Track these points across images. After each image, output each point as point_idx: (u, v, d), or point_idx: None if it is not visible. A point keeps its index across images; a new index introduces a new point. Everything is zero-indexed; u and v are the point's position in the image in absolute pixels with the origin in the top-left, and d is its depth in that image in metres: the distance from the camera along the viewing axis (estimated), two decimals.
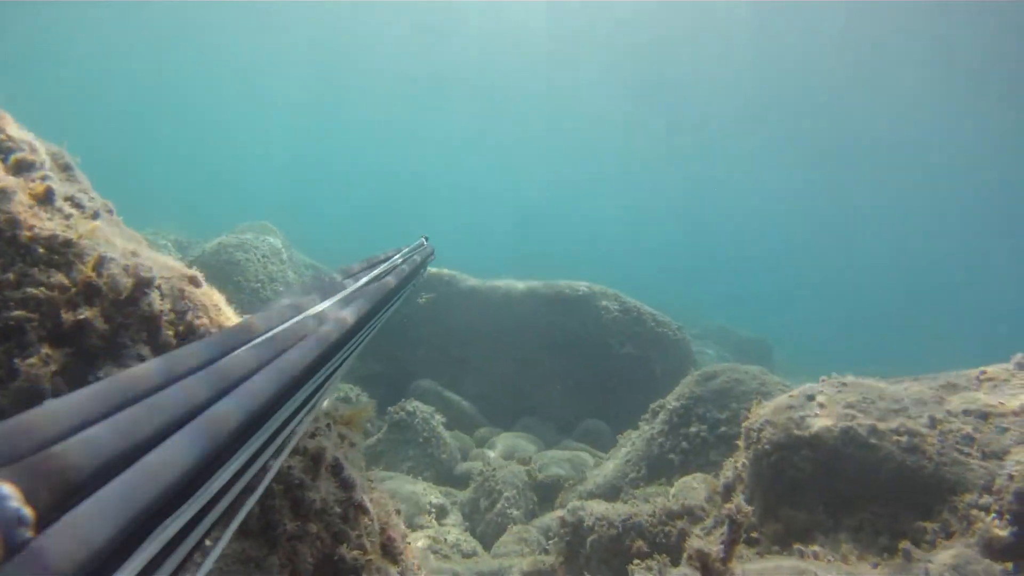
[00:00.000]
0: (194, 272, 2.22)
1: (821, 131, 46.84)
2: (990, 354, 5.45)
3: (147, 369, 0.91)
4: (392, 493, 7.43)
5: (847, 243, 73.90)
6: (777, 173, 58.46)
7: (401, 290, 2.25)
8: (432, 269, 12.77)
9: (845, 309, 58.69)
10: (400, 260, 2.46)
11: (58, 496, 0.60)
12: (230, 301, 2.35)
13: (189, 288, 2.14)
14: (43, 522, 0.56)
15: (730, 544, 2.51)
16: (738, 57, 40.60)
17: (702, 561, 2.47)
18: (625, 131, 56.65)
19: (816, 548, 3.15)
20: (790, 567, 2.76)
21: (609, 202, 79.94)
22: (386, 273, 2.14)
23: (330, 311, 1.48)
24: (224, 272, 12.63)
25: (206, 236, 16.94)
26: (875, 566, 3.97)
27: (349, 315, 1.49)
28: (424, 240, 3.17)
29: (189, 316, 2.07)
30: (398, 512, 2.64)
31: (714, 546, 2.51)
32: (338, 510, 2.12)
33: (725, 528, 2.50)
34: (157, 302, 1.98)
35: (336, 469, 2.15)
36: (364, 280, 1.88)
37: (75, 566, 0.55)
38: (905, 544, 4.02)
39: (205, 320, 2.12)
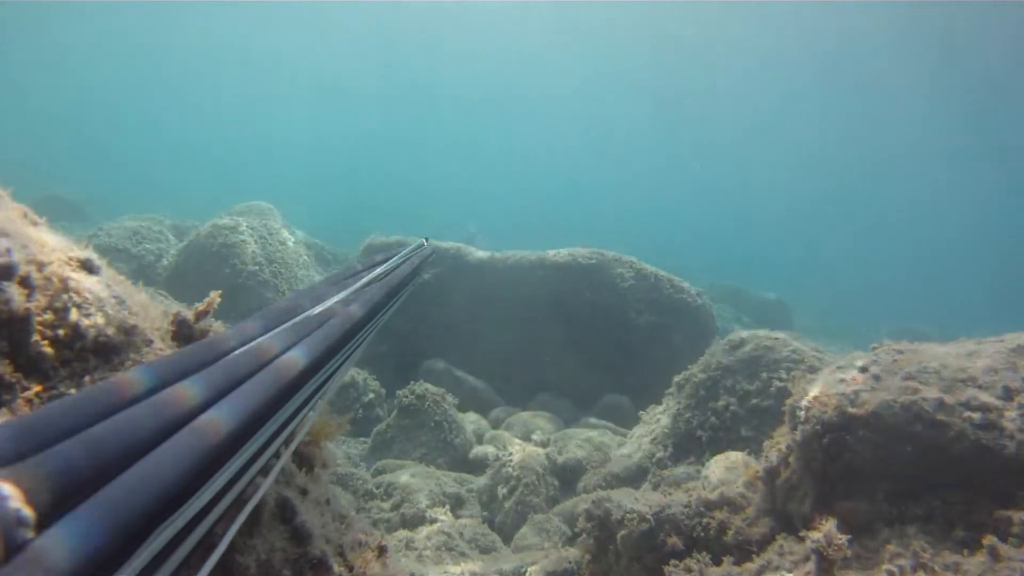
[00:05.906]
0: (87, 254, 1.61)
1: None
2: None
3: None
4: (403, 486, 6.95)
5: (866, 202, 72.25)
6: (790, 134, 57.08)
7: (388, 303, 2.21)
8: (438, 243, 12.14)
9: (864, 269, 57.14)
10: (396, 264, 2.45)
11: (58, 496, 0.59)
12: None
13: (76, 276, 1.53)
14: (43, 522, 0.56)
15: None
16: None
17: None
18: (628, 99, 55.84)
19: (901, 560, 2.60)
20: None
21: (613, 168, 78.94)
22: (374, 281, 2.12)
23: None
24: (220, 255, 12.10)
25: (204, 220, 16.36)
26: (953, 566, 3.42)
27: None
28: (424, 241, 3.21)
29: (73, 315, 1.47)
30: (382, 550, 2.07)
31: None
32: (287, 573, 1.56)
33: (812, 565, 1.94)
34: (19, 298, 1.37)
35: (286, 515, 1.58)
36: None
37: (75, 566, 0.54)
38: (990, 540, 3.46)
39: (99, 319, 1.51)
